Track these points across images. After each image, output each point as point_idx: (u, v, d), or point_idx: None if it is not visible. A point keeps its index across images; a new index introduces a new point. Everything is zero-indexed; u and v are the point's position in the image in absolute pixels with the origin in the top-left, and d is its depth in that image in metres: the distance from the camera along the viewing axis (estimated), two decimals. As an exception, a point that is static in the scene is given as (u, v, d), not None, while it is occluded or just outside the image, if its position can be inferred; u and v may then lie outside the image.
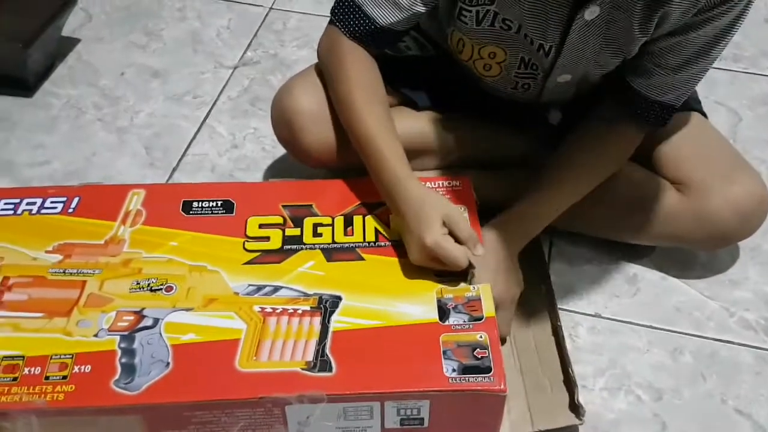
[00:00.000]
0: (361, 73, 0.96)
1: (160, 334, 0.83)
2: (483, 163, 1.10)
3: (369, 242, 0.93)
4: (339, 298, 0.87)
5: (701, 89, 1.06)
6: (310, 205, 0.98)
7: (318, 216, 0.97)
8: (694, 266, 1.12)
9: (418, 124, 1.08)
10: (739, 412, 0.96)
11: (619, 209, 1.05)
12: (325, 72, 1.00)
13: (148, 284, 0.88)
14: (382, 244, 0.93)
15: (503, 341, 0.95)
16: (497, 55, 0.97)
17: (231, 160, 1.26)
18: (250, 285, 0.88)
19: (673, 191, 1.03)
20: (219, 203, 0.98)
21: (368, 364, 0.81)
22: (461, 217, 0.89)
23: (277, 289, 0.88)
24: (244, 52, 1.46)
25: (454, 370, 0.80)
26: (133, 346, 0.82)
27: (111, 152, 1.27)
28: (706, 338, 1.04)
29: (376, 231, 0.94)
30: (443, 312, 0.85)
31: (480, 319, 0.85)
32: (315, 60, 1.05)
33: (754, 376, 1.00)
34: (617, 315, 1.06)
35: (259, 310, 0.86)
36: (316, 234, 0.94)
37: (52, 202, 0.98)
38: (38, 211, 0.97)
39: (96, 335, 0.83)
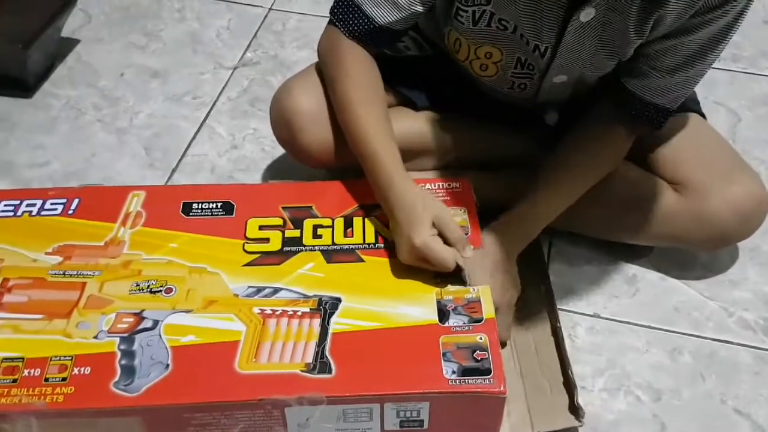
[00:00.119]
0: (360, 72, 0.96)
1: (160, 335, 0.83)
2: (481, 163, 1.10)
3: (369, 244, 0.93)
4: (339, 300, 0.87)
5: (700, 90, 1.06)
6: (310, 207, 0.98)
7: (318, 217, 0.97)
8: (693, 267, 1.12)
9: (416, 124, 1.08)
10: (738, 412, 0.96)
11: (615, 209, 1.05)
12: (324, 71, 1.01)
13: (148, 286, 0.88)
14: (382, 245, 0.93)
15: (503, 345, 0.95)
16: (493, 55, 0.97)
17: (231, 160, 1.26)
18: (249, 287, 0.88)
19: (671, 191, 1.03)
20: (219, 205, 0.98)
21: (368, 366, 0.81)
22: (451, 218, 0.90)
23: (276, 290, 0.88)
24: (244, 53, 1.46)
25: (453, 372, 0.80)
26: (132, 347, 0.82)
27: (110, 153, 1.27)
28: (706, 338, 1.04)
29: (376, 233, 0.94)
30: (443, 314, 0.85)
31: (480, 320, 0.85)
32: (315, 61, 1.05)
33: (753, 376, 1.00)
34: (616, 315, 1.06)
35: (259, 311, 0.86)
36: (315, 236, 0.94)
37: (52, 204, 0.98)
38: (38, 213, 0.97)
39: (96, 337, 0.83)
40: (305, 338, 0.83)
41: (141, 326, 0.84)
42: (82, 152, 1.27)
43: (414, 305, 0.86)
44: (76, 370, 0.80)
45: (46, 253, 0.92)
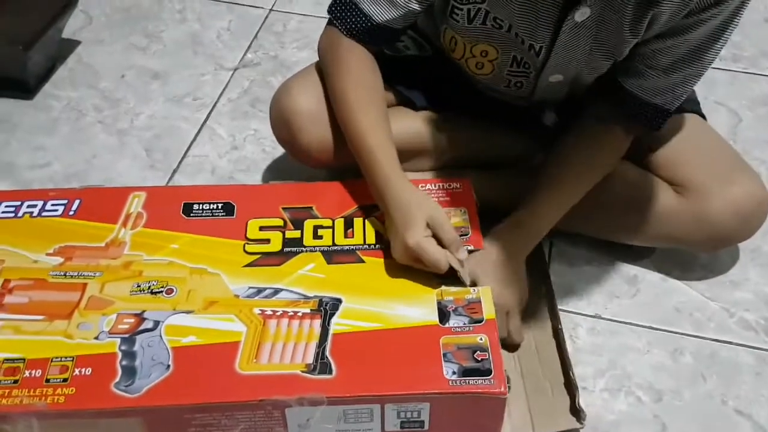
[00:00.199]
0: (359, 71, 0.97)
1: (161, 336, 0.83)
2: (479, 163, 1.10)
3: (369, 245, 0.93)
4: (339, 301, 0.87)
5: (700, 90, 1.06)
6: (311, 208, 0.98)
7: (318, 218, 0.97)
8: (694, 267, 1.12)
9: (415, 124, 1.08)
10: (739, 412, 0.96)
11: (614, 209, 1.05)
12: (324, 70, 1.01)
13: (149, 287, 0.88)
14: (383, 246, 0.93)
15: (517, 348, 0.95)
16: (489, 54, 0.97)
17: (231, 161, 1.26)
18: (250, 287, 0.89)
19: (672, 192, 1.03)
20: (219, 206, 0.98)
21: (368, 367, 0.81)
22: (446, 219, 0.90)
23: (277, 291, 0.88)
24: (245, 54, 1.46)
25: (454, 373, 0.80)
26: (133, 348, 0.82)
27: (111, 154, 1.27)
28: (707, 339, 1.04)
29: (377, 233, 0.94)
30: (443, 314, 0.86)
31: (480, 321, 0.85)
32: (315, 61, 1.05)
33: (755, 376, 1.00)
34: (617, 316, 1.06)
35: (260, 312, 0.86)
36: (316, 236, 0.94)
37: (52, 205, 0.98)
38: (39, 214, 0.97)
39: (96, 338, 0.83)
40: (306, 339, 0.83)
41: (142, 327, 0.84)
42: (82, 153, 1.27)
43: (414, 306, 0.86)
44: (77, 371, 0.80)
45: (47, 254, 0.92)
